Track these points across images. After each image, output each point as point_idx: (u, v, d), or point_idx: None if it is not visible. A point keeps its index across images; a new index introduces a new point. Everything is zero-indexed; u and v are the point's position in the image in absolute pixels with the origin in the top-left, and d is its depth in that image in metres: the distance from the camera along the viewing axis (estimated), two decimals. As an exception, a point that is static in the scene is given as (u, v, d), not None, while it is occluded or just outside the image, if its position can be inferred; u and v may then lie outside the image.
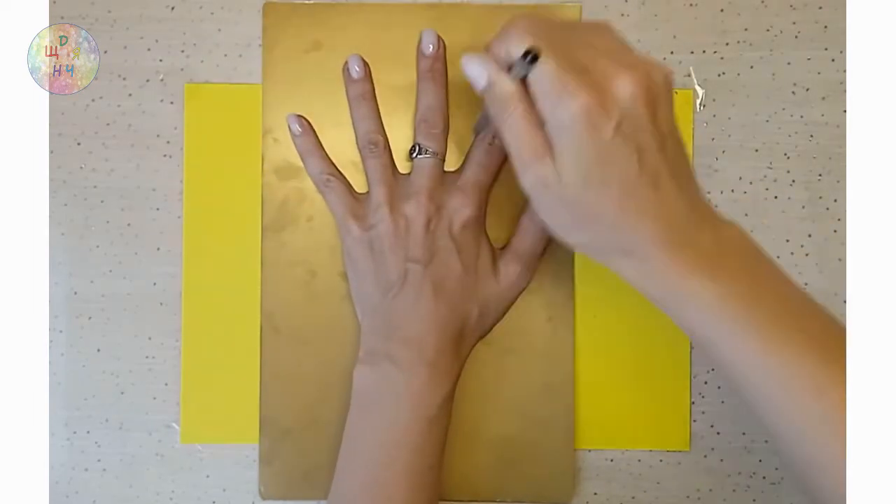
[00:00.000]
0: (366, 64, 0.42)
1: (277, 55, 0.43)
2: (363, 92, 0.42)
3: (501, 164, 0.42)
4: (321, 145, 0.43)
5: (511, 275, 0.41)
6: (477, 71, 0.34)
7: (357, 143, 0.42)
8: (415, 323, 0.39)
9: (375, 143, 0.41)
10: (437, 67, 0.42)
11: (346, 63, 0.42)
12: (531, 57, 0.31)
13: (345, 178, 0.42)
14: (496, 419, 0.43)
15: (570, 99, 0.31)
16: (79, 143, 0.44)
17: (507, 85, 0.33)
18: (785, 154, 0.43)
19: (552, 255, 0.43)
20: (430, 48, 0.41)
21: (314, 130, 0.43)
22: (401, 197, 0.40)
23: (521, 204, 0.42)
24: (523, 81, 0.33)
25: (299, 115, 0.42)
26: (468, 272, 0.40)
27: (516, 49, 0.32)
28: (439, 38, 0.42)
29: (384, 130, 0.42)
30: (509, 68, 0.33)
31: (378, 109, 0.42)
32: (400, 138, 0.43)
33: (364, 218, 0.41)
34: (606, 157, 0.31)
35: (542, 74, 0.32)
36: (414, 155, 0.41)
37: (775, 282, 0.34)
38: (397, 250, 0.40)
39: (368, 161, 0.42)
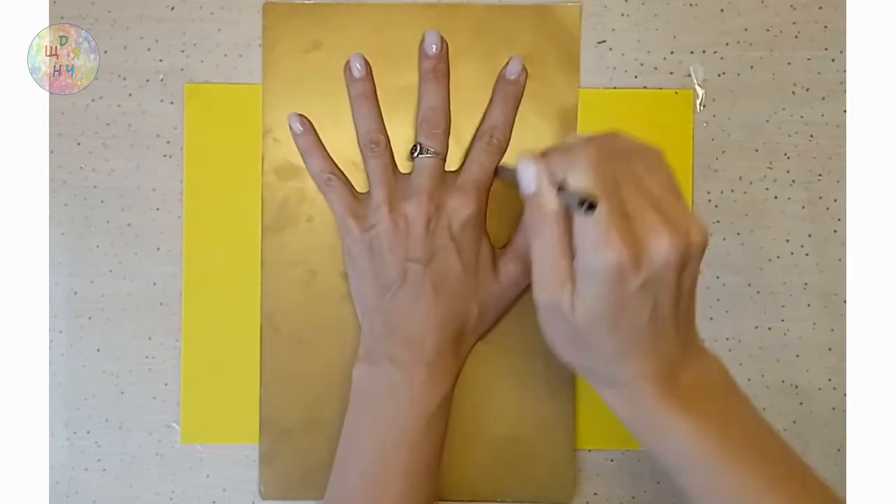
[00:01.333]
0: (367, 63, 0.42)
1: (277, 55, 0.43)
2: (365, 91, 0.42)
3: (498, 163, 0.42)
4: (322, 144, 0.43)
5: (511, 274, 0.41)
6: (529, 177, 0.33)
7: (358, 142, 0.42)
8: (414, 322, 0.39)
9: (377, 143, 0.41)
10: (440, 68, 0.42)
11: (348, 62, 0.42)
12: (587, 205, 0.31)
13: (346, 177, 0.43)
14: (496, 419, 0.43)
15: (608, 251, 0.31)
16: (79, 143, 0.44)
17: (553, 204, 0.33)
18: (785, 154, 0.43)
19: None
20: (433, 49, 0.42)
21: (315, 129, 0.43)
22: (401, 196, 0.40)
23: (521, 203, 0.42)
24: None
25: (300, 115, 0.42)
26: (468, 272, 0.40)
27: (575, 181, 0.32)
28: (442, 38, 0.42)
29: (385, 130, 0.42)
30: (560, 187, 0.32)
31: (379, 109, 0.42)
32: (401, 138, 0.43)
33: (364, 218, 0.41)
34: (623, 306, 0.32)
35: (591, 218, 0.31)
36: (415, 154, 0.41)
37: (745, 418, 0.35)
38: (396, 250, 0.40)
39: (369, 161, 0.42)
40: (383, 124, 0.42)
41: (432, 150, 0.41)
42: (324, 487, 0.40)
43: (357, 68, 0.42)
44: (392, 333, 0.39)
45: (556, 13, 0.43)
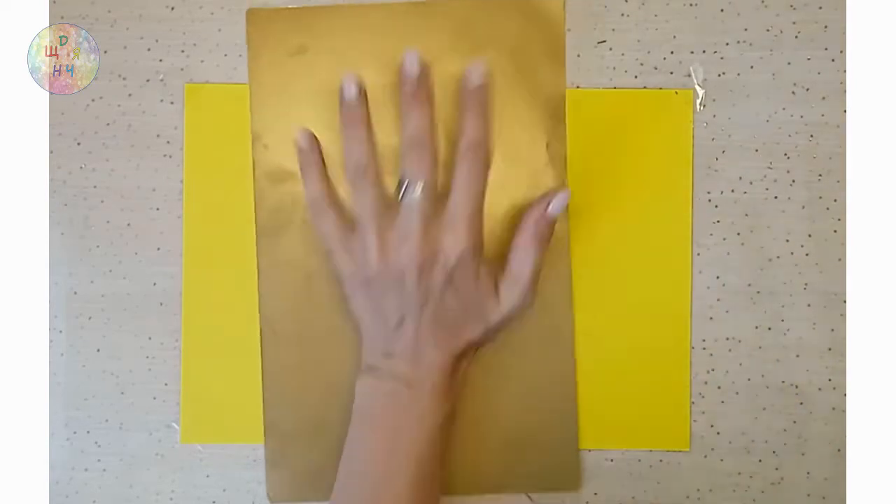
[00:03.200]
0: (361, 86, 0.41)
1: (263, 61, 0.43)
2: (358, 115, 0.40)
3: (486, 181, 0.39)
4: (324, 167, 0.42)
5: (514, 298, 0.40)
6: None
7: (346, 168, 0.40)
8: (417, 350, 0.39)
9: (365, 171, 0.40)
10: (420, 94, 0.39)
11: (342, 83, 0.40)
12: None
13: (340, 205, 0.41)
14: (498, 418, 0.43)
15: None
16: (79, 143, 0.44)
17: None
18: (785, 154, 0.43)
19: (551, 253, 0.43)
20: (413, 71, 0.39)
21: (320, 150, 0.42)
22: (392, 242, 0.39)
23: (521, 202, 0.42)
24: None
25: (309, 132, 0.41)
26: (469, 304, 0.39)
27: None
28: (423, 61, 0.39)
29: (375, 157, 0.40)
30: None
31: (371, 134, 0.41)
32: (388, 137, 0.42)
33: (355, 254, 0.40)
34: None
35: None
36: (402, 192, 0.39)
37: None
38: (391, 296, 0.39)
39: (357, 191, 0.40)
40: (373, 150, 0.40)
41: (420, 182, 0.38)
42: (331, 489, 0.40)
43: (350, 91, 0.40)
44: (394, 356, 0.39)
45: (539, 6, 0.43)
